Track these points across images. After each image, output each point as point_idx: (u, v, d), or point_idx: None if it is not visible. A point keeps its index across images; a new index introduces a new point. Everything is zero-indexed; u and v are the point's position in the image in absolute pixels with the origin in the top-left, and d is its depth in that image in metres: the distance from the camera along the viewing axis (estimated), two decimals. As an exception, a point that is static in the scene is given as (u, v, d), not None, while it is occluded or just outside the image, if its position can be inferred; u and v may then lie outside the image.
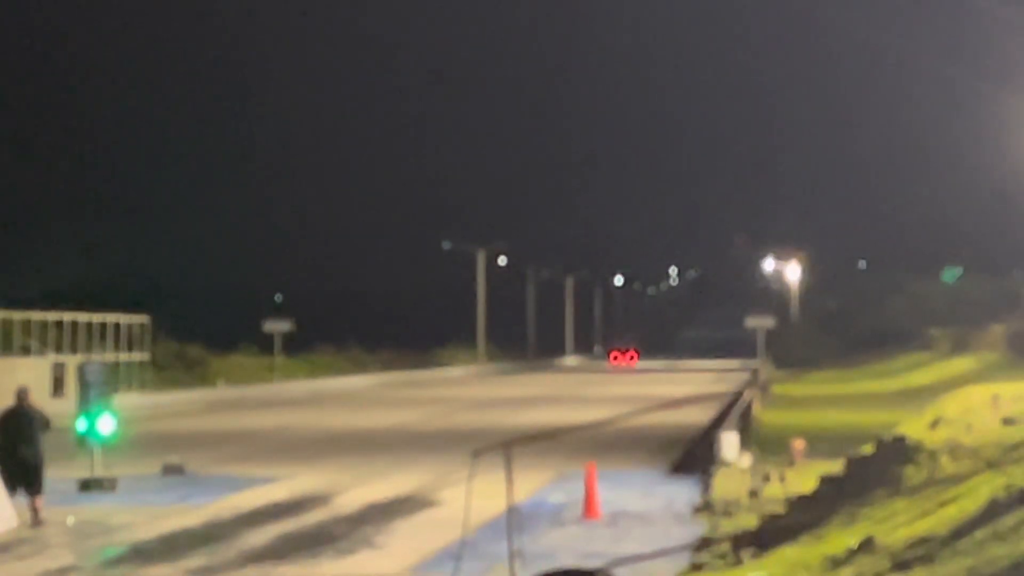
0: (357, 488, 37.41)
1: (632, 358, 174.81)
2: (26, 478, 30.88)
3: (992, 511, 19.61)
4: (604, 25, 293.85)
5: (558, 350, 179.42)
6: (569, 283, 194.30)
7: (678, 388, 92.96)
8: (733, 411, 55.93)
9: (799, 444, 40.58)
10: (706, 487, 35.74)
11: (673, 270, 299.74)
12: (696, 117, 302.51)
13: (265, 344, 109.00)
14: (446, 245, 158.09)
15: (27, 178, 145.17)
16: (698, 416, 58.63)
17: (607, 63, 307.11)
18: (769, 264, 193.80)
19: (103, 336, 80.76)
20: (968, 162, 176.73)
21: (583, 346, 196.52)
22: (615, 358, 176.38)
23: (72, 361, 71.90)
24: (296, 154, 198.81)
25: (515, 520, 21.31)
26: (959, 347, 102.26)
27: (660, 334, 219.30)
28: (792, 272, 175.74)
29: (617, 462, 42.05)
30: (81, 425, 37.22)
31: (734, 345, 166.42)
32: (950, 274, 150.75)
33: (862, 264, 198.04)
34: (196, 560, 26.60)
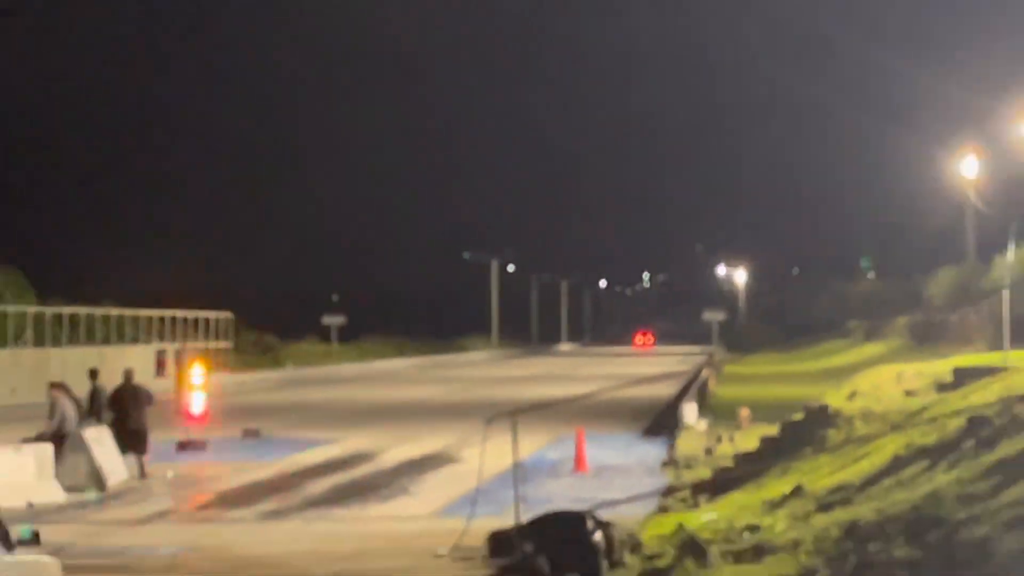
0: (396, 448, 37.42)
1: (651, 339, 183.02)
2: (134, 441, 30.94)
3: (896, 464, 19.60)
4: (579, 68, 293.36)
5: (555, 339, 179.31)
6: (564, 285, 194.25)
7: (650, 368, 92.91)
8: (693, 386, 55.91)
9: (745, 412, 40.57)
10: (671, 446, 35.72)
11: (646, 275, 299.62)
12: (666, 150, 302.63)
13: (324, 334, 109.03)
14: (466, 256, 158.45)
15: (131, 198, 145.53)
16: (665, 390, 58.60)
17: (592, 109, 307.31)
18: (722, 269, 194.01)
19: (196, 328, 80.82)
20: (877, 187, 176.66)
21: (575, 335, 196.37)
22: (641, 339, 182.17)
23: (171, 348, 72.01)
24: (351, 181, 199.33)
25: (520, 473, 21.31)
26: (871, 335, 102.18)
27: (635, 326, 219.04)
28: (740, 276, 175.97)
29: (602, 427, 42.02)
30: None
31: (694, 334, 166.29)
32: (865, 263, 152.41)
33: (795, 270, 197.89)
34: (268, 505, 26.65)
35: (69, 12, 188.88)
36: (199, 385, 37.91)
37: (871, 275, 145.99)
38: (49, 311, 67.63)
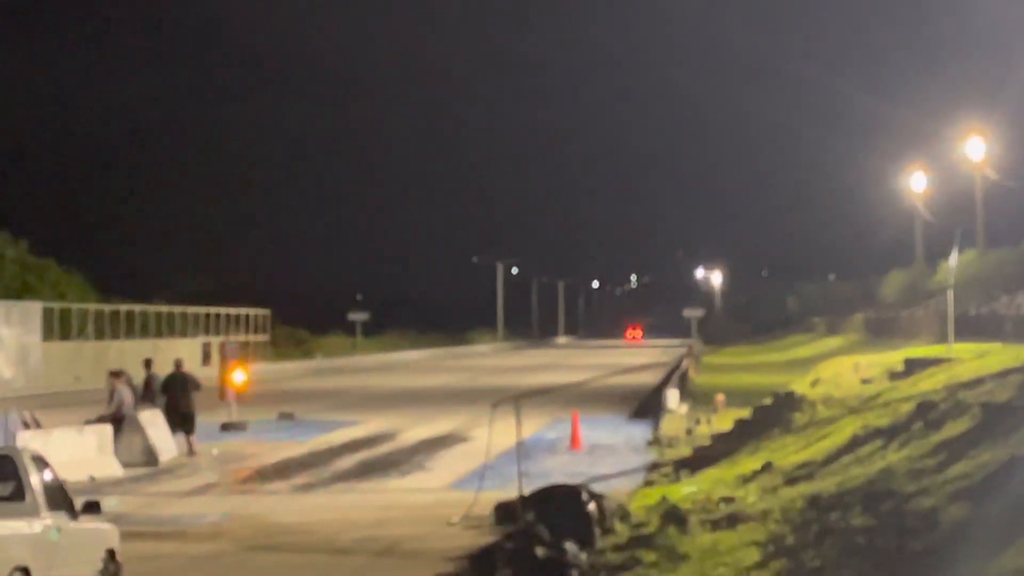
0: (413, 429, 37.42)
1: (640, 332, 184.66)
2: (183, 422, 30.97)
3: (854, 443, 19.62)
4: (577, 101, 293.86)
5: (553, 333, 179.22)
6: (560, 286, 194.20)
7: (636, 359, 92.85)
8: (674, 374, 55.86)
9: (720, 397, 40.55)
10: (655, 427, 35.70)
11: (633, 277, 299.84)
12: (651, 168, 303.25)
13: (350, 328, 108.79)
14: (475, 259, 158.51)
15: (181, 206, 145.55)
16: (650, 378, 58.57)
17: (587, 136, 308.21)
18: (700, 271, 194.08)
19: (237, 323, 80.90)
20: (838, 199, 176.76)
21: (571, 330, 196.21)
22: (630, 332, 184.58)
23: (215, 341, 72.06)
24: (376, 194, 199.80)
25: (522, 451, 21.33)
26: (831, 330, 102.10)
27: (624, 322, 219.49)
28: (716, 277, 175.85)
29: (594, 410, 41.99)
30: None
31: (675, 329, 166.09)
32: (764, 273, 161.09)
33: (765, 272, 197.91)
34: (301, 479, 26.67)
35: (121, 30, 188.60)
36: (240, 384, 37.82)
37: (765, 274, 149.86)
38: (108, 308, 67.69)
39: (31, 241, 71.37)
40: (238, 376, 37.68)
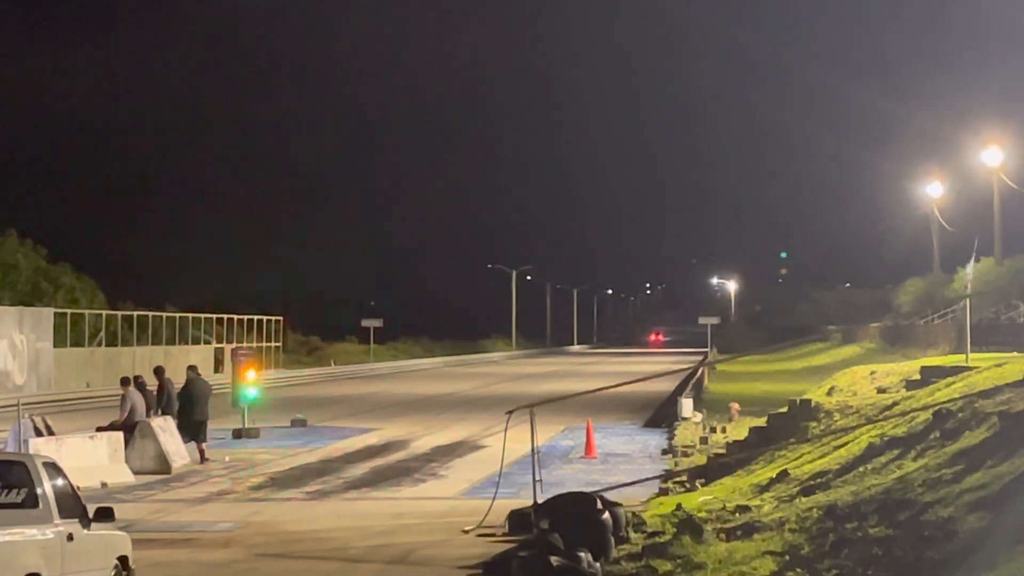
0: (427, 436, 37.40)
1: (661, 338, 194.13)
2: (196, 429, 30.99)
3: (870, 453, 19.58)
4: (598, 115, 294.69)
5: (567, 341, 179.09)
6: (575, 293, 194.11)
7: (652, 366, 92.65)
8: (690, 382, 55.75)
9: (735, 406, 40.48)
10: (670, 436, 35.66)
11: (648, 284, 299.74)
12: (666, 177, 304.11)
13: (363, 335, 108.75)
14: (490, 266, 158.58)
15: (192, 212, 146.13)
16: (665, 386, 58.46)
17: (604, 145, 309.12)
18: (715, 280, 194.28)
19: (250, 330, 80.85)
20: (854, 209, 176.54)
21: (585, 338, 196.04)
22: (654, 338, 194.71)
23: (227, 347, 72.05)
24: (390, 200, 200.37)
25: (537, 458, 21.30)
26: (847, 338, 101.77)
27: (638, 330, 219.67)
28: (731, 285, 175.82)
29: (608, 418, 41.97)
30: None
31: (690, 337, 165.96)
32: (783, 255, 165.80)
33: (779, 280, 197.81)
34: (314, 486, 26.67)
35: (135, 35, 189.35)
36: (252, 391, 37.77)
37: (784, 255, 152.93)
38: (120, 314, 67.78)
39: (42, 246, 71.62)
40: (250, 383, 37.68)
